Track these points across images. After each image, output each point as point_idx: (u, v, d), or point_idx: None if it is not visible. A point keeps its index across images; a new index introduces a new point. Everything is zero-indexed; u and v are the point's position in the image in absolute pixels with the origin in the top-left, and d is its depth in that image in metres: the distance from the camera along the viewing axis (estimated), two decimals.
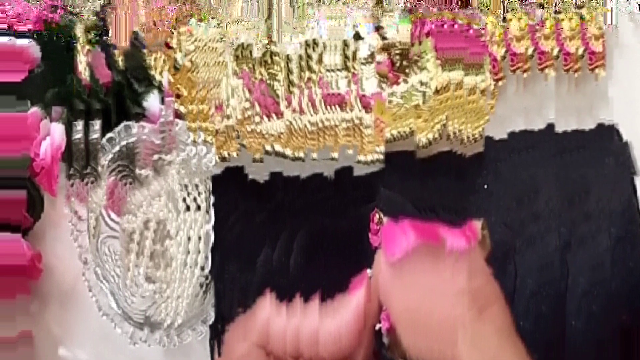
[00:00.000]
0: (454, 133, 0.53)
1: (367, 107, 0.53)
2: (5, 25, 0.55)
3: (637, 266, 0.52)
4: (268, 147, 0.53)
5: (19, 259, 0.54)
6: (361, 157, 0.53)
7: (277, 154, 0.53)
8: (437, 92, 0.53)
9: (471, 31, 0.54)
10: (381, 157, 0.53)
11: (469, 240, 0.46)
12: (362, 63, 0.52)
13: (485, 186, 0.53)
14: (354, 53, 0.53)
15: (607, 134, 0.54)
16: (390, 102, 0.53)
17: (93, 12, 0.56)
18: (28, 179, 0.55)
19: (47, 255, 0.57)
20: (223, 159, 0.54)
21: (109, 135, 0.54)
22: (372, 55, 0.53)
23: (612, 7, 0.55)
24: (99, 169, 0.55)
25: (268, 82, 0.53)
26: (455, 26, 0.53)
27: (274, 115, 0.53)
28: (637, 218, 0.53)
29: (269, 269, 0.52)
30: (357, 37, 0.53)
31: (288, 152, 0.53)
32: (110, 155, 0.54)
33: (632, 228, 0.53)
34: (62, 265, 0.57)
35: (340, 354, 0.45)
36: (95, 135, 0.55)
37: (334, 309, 0.45)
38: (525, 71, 0.54)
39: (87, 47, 0.55)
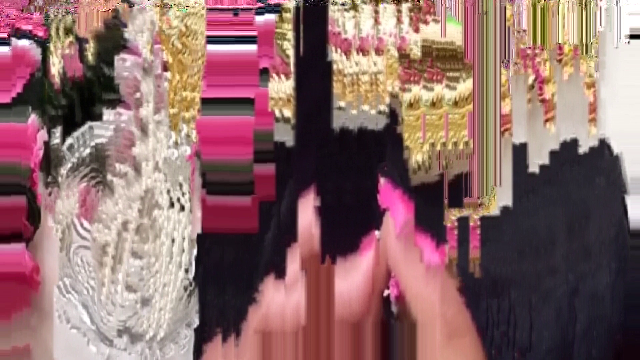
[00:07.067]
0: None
1: (378, 51, 0.49)
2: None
3: (628, 289, 0.50)
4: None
5: (20, 269, 0.51)
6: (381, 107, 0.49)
7: (285, 120, 0.49)
8: (455, 103, 0.49)
9: None
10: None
11: (443, 260, 0.45)
12: None
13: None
14: None
15: (598, 150, 0.51)
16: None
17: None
18: (29, 189, 0.52)
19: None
20: None
21: (69, 139, 0.52)
22: None
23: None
24: (59, 178, 0.52)
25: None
26: None
27: (282, 75, 0.49)
28: (627, 241, 0.51)
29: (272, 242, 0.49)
30: None
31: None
32: (75, 160, 0.51)
33: (623, 253, 0.50)
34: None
35: (351, 319, 0.43)
36: (56, 140, 0.52)
37: (345, 270, 0.44)
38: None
39: (70, 39, 0.53)
